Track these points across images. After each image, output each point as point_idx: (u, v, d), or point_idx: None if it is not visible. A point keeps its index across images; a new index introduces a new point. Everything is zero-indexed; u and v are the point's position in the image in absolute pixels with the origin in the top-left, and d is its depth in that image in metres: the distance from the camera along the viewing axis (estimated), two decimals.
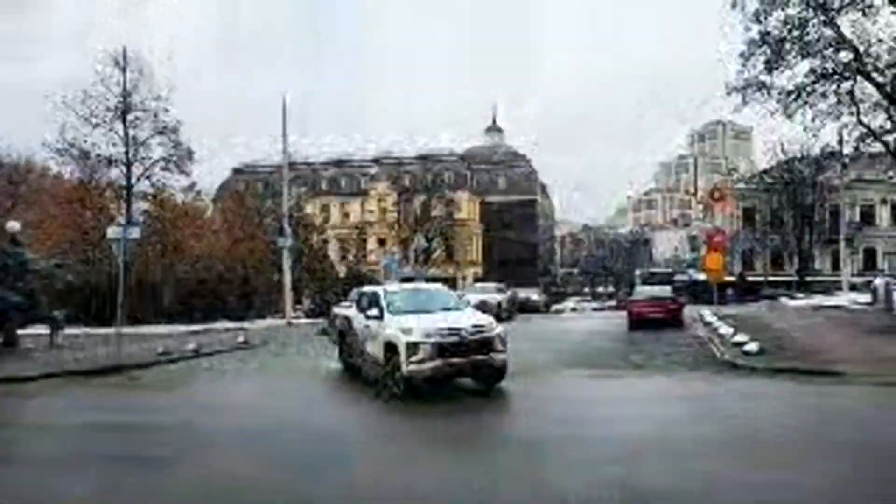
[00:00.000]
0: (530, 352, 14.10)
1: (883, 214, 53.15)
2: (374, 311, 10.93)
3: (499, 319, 20.94)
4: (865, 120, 25.25)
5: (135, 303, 24.03)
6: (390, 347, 10.12)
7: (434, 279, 48.45)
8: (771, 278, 48.07)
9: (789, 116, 25.86)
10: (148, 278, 29.93)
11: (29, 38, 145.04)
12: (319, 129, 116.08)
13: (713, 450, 6.69)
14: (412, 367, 9.64)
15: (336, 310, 15.61)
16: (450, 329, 9.94)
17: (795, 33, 23.89)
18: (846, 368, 11.05)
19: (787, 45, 24.08)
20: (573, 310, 47.36)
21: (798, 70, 24.70)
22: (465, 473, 6.19)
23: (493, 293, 26.26)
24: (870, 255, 53.22)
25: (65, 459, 7.40)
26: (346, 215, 67.56)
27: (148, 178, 35.11)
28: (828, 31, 23.85)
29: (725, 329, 16.35)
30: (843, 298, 29.08)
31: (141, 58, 34.26)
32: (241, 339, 19.51)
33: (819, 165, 44.31)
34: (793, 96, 25.03)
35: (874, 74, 23.46)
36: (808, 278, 46.27)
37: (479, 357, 9.92)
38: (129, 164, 34.51)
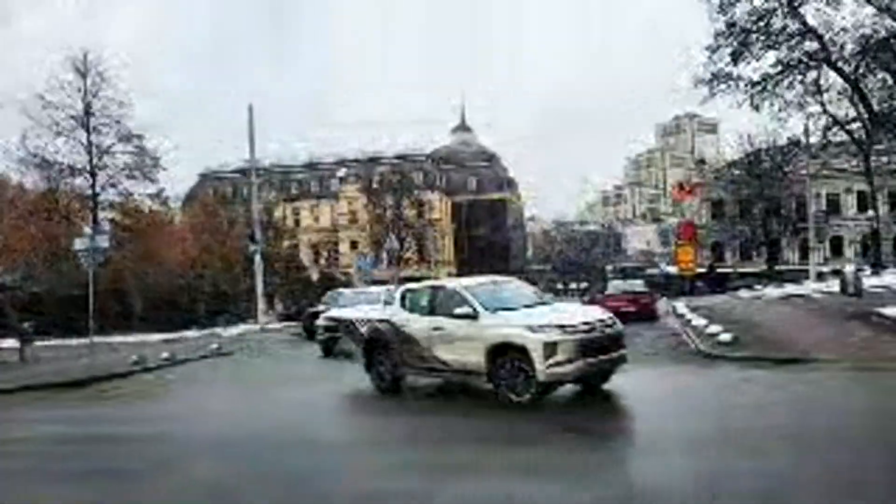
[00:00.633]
0: None
1: (849, 203, 54.40)
2: (462, 310, 9.25)
3: None
4: (831, 109, 25.86)
5: (106, 312, 23.43)
6: (501, 350, 8.74)
7: (407, 279, 48.46)
8: (741, 269, 48.93)
9: (756, 108, 26.36)
10: (118, 287, 29.24)
11: None
12: (287, 132, 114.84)
13: (696, 441, 6.62)
14: (553, 370, 8.35)
15: (339, 312, 12.90)
16: (586, 324, 8.84)
17: (761, 24, 24.29)
18: (818, 355, 11.15)
19: (753, 37, 24.50)
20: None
21: (764, 61, 25.18)
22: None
23: None
24: (837, 243, 54.48)
25: (31, 473, 7.12)
26: (317, 218, 66.97)
27: (113, 186, 34.42)
28: (793, 21, 24.29)
29: (698, 321, 16.41)
30: (812, 287, 29.64)
31: (101, 63, 33.47)
32: (214, 345, 19.08)
33: (785, 156, 45.22)
34: (759, 87, 25.50)
35: (839, 63, 23.95)
36: (777, 268, 47.21)
37: (615, 354, 8.98)
38: (93, 173, 33.71)
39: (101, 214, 33.35)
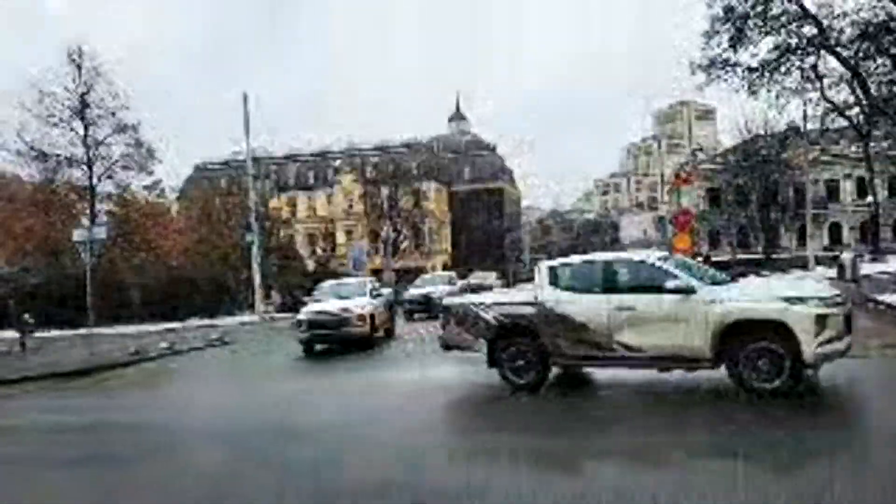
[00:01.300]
0: None
1: (847, 189, 54.00)
2: (672, 284, 7.83)
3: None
4: (829, 95, 25.73)
5: (104, 303, 23.41)
6: (738, 329, 7.46)
7: (404, 270, 48.35)
8: (738, 257, 48.90)
9: (753, 94, 26.20)
10: (116, 278, 29.19)
11: None
12: (284, 123, 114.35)
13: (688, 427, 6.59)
14: (823, 348, 7.23)
15: (460, 300, 9.95)
16: (836, 296, 7.78)
17: (759, 9, 24.08)
18: None
19: (751, 22, 24.30)
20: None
21: (762, 47, 24.98)
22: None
23: (439, 284, 24.24)
24: (835, 230, 54.34)
25: (30, 460, 7.16)
26: (314, 209, 66.79)
27: (110, 177, 34.35)
28: (791, 6, 24.10)
29: None
30: (811, 274, 29.70)
31: (97, 55, 33.38)
32: (214, 336, 19.06)
33: (784, 142, 45.10)
34: (757, 73, 25.33)
35: (838, 48, 23.78)
36: (775, 255, 47.18)
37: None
38: (90, 164, 33.60)
39: (98, 206, 33.30)
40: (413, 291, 23.91)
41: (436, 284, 24.32)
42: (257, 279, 29.01)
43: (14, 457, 7.37)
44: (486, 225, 68.52)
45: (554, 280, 8.82)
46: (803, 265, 35.51)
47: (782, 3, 24.22)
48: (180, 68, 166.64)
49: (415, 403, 8.71)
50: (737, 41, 24.91)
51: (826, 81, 25.80)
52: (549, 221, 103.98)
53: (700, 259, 42.25)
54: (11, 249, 29.26)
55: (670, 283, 7.88)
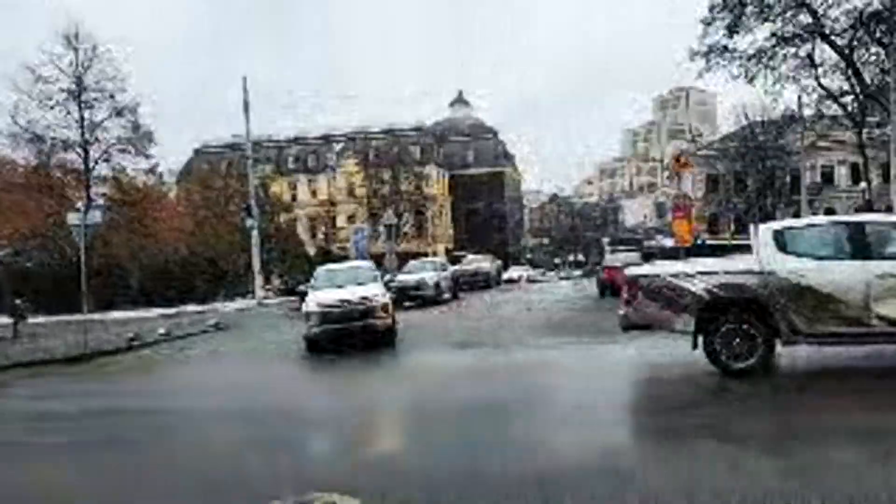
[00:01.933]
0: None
1: (841, 175, 54.46)
2: None
3: (435, 303, 20.45)
4: (824, 82, 25.90)
5: (101, 288, 23.55)
6: None
7: (405, 254, 48.57)
8: (735, 242, 49.02)
9: (751, 80, 26.40)
10: (113, 263, 29.31)
11: None
12: (287, 107, 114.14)
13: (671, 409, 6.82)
14: None
15: (651, 268, 8.91)
16: None
17: None
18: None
19: (748, 9, 24.43)
20: (520, 279, 40.60)
21: (759, 34, 25.14)
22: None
23: (430, 270, 23.09)
24: (830, 214, 54.72)
25: (23, 445, 7.20)
26: (314, 193, 66.85)
27: (107, 160, 34.34)
28: None
29: None
30: None
31: (94, 36, 33.23)
32: (213, 321, 19.26)
33: (780, 129, 45.17)
34: (754, 60, 25.50)
35: (833, 37, 23.92)
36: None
37: None
38: (85, 148, 33.60)
39: (94, 189, 33.38)
40: (402, 277, 22.47)
41: (426, 270, 23.04)
42: (257, 264, 29.09)
43: (6, 442, 7.36)
44: (488, 209, 68.60)
45: (782, 245, 7.63)
46: None
47: None
48: (183, 53, 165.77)
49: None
50: (734, 28, 25.07)
51: (821, 69, 25.99)
52: (550, 206, 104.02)
53: (700, 242, 42.46)
54: (5, 234, 29.33)
55: None
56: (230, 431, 7.27)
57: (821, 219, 8.87)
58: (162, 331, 17.11)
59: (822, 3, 23.59)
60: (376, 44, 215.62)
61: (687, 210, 36.14)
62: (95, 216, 16.34)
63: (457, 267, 27.75)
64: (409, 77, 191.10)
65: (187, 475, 5.62)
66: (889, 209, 27.19)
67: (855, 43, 23.71)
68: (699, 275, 7.74)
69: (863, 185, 35.81)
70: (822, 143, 48.13)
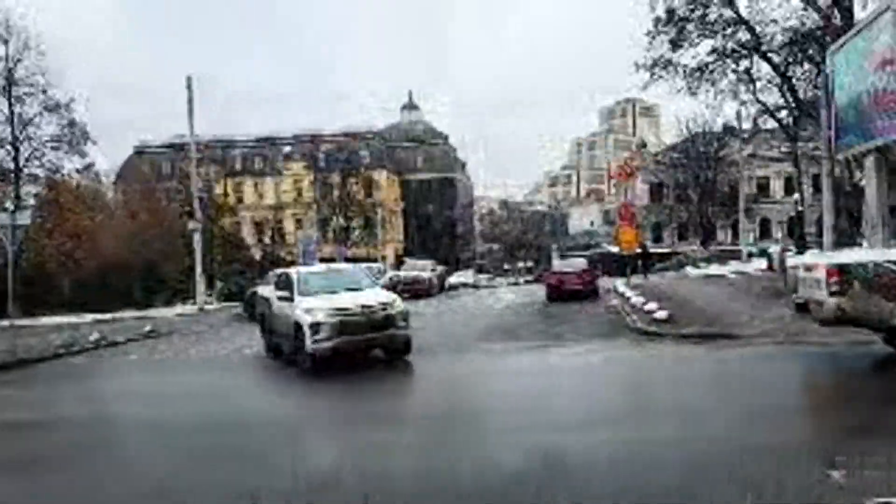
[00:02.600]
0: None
1: (776, 186, 57.29)
2: None
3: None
4: (762, 97, 27.05)
5: (30, 293, 22.31)
6: None
7: (354, 259, 48.04)
8: (678, 249, 50.72)
9: (693, 94, 27.32)
10: (44, 267, 27.91)
11: None
12: (233, 108, 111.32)
13: (615, 414, 6.88)
14: None
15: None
16: None
17: (698, 13, 25.08)
18: (745, 332, 11.75)
19: (691, 25, 25.29)
20: (465, 285, 38.91)
21: (701, 49, 26.07)
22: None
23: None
24: (765, 224, 57.29)
25: None
26: (261, 195, 65.39)
27: (38, 159, 32.76)
28: (727, 12, 25.17)
29: (637, 298, 17.00)
30: (743, 265, 31.12)
31: (26, 29, 31.61)
32: (148, 327, 18.52)
33: (720, 141, 47.01)
34: (696, 74, 26.40)
35: (769, 54, 25.00)
36: (711, 248, 49.29)
37: None
38: (15, 145, 31.96)
39: (24, 189, 31.78)
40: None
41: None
42: (199, 269, 28.23)
43: None
44: (439, 215, 68.65)
45: None
46: (736, 257, 37.21)
47: (719, 9, 25.30)
48: (126, 51, 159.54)
49: None
50: (677, 43, 25.86)
51: (759, 84, 27.12)
52: (500, 212, 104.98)
53: (642, 250, 43.65)
54: None
55: None
56: (158, 444, 6.91)
57: None
58: (94, 337, 16.34)
59: (759, 21, 24.68)
60: (326, 46, 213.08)
61: (632, 218, 37.13)
62: (24, 217, 15.58)
63: (392, 274, 25.70)
64: (358, 81, 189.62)
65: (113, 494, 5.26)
66: (819, 220, 28.75)
67: (790, 60, 24.91)
68: None
69: (795, 196, 37.58)
70: (758, 156, 50.40)
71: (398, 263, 39.49)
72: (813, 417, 6.40)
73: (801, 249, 31.88)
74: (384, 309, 10.56)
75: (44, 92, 31.94)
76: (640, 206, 51.13)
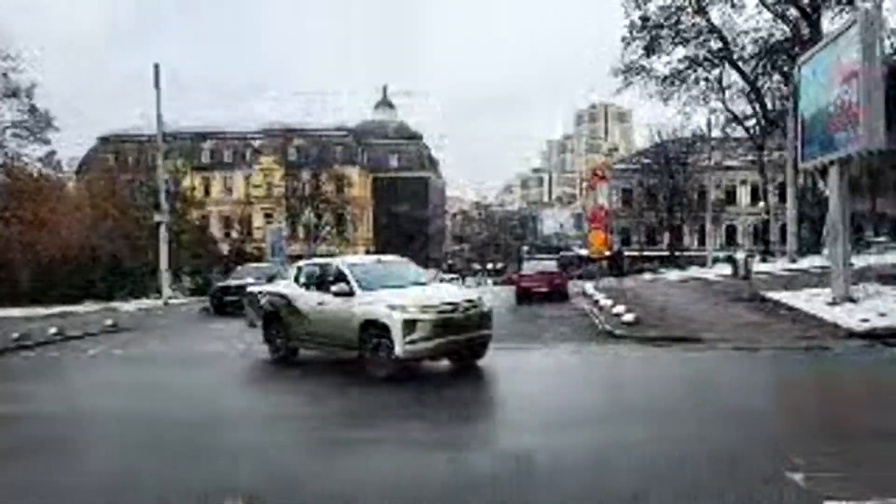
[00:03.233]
0: None
1: (743, 194, 58.63)
2: None
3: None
4: (731, 106, 27.67)
5: None
6: None
7: (325, 256, 47.51)
8: (646, 253, 51.51)
9: (666, 100, 27.85)
10: (2, 256, 26.98)
11: None
12: (202, 102, 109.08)
13: (579, 414, 6.90)
14: None
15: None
16: None
17: (672, 20, 25.53)
18: (709, 335, 11.93)
19: (664, 32, 25.74)
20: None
21: (674, 57, 26.55)
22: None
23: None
24: (731, 231, 58.56)
25: None
26: (230, 190, 64.34)
27: None
28: (700, 20, 25.67)
29: (605, 301, 17.14)
30: (709, 271, 31.68)
31: None
32: (110, 321, 18.01)
33: (690, 148, 47.88)
34: (668, 81, 26.91)
35: (740, 63, 25.59)
36: (678, 253, 50.15)
37: None
38: None
39: None
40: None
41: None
42: (164, 262, 27.65)
43: None
44: (411, 213, 68.38)
45: None
46: (702, 263, 37.90)
47: (692, 17, 25.76)
48: (97, 42, 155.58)
49: None
50: (651, 49, 26.27)
51: (728, 93, 27.76)
52: (472, 212, 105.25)
53: (610, 254, 44.17)
54: None
55: None
56: (120, 439, 6.69)
57: None
58: (53, 331, 15.84)
59: (731, 30, 25.26)
60: (301, 42, 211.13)
61: (602, 221, 37.53)
62: None
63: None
64: (332, 77, 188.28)
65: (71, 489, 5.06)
66: (783, 228, 29.61)
67: (759, 71, 25.53)
68: None
69: (761, 203, 38.50)
70: (726, 163, 51.52)
71: None
72: (773, 419, 6.50)
73: (765, 257, 32.70)
74: (477, 306, 9.45)
75: (3, 75, 30.88)
76: (610, 210, 51.80)
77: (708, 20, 25.29)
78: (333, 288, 9.66)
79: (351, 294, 9.47)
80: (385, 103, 77.54)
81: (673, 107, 29.88)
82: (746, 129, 30.31)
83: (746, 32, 24.86)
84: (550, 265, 25.61)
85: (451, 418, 7.05)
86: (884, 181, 35.65)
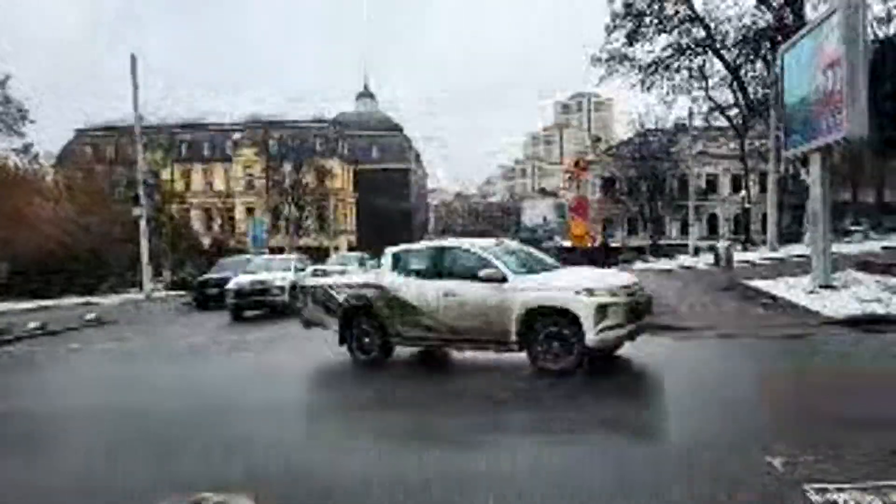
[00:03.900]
0: None
1: (725, 183, 59.21)
2: None
3: (273, 311, 15.73)
4: (713, 94, 27.85)
5: None
6: None
7: (307, 249, 47.35)
8: (628, 243, 51.90)
9: (648, 89, 27.93)
10: None
11: None
12: (185, 95, 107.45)
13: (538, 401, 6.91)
14: None
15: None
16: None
17: (655, 7, 25.58)
18: (693, 323, 12.01)
19: (648, 19, 25.80)
20: None
21: (656, 45, 26.62)
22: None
23: (278, 270, 18.05)
24: (713, 220, 59.18)
25: None
26: (210, 182, 63.62)
27: None
28: (683, 8, 25.75)
29: None
30: (690, 260, 31.99)
31: None
32: (92, 315, 17.76)
33: (672, 137, 48.17)
34: (651, 70, 26.98)
35: (722, 51, 25.72)
36: (660, 242, 50.55)
37: None
38: None
39: None
40: (244, 279, 17.39)
41: (271, 270, 18.06)
42: (145, 256, 27.33)
43: None
44: (393, 205, 68.15)
45: None
46: (685, 252, 38.28)
47: (675, 4, 25.83)
48: (87, 36, 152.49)
49: None
50: (634, 37, 26.32)
51: (711, 82, 27.91)
52: (454, 203, 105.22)
53: (595, 244, 44.39)
54: None
55: None
56: (103, 435, 6.58)
57: None
58: (33, 325, 15.60)
59: (714, 19, 25.39)
60: (281, 32, 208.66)
61: (585, 212, 37.66)
62: None
63: (317, 267, 21.28)
64: (313, 69, 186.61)
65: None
66: (765, 217, 30.05)
67: (741, 59, 25.71)
68: None
69: (742, 193, 38.91)
70: (708, 153, 51.99)
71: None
72: (755, 405, 6.57)
73: (746, 246, 33.08)
74: (643, 290, 8.74)
75: None
76: (592, 200, 52.10)
77: (691, 7, 25.42)
78: (482, 273, 8.43)
79: (503, 280, 8.37)
80: (366, 94, 77.06)
81: (655, 96, 30.25)
82: (728, 119, 30.57)
83: (729, 20, 25.07)
84: None
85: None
86: (865, 170, 36.23)
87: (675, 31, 26.17)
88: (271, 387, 8.71)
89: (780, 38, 19.63)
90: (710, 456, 4.72)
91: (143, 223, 27.30)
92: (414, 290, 8.98)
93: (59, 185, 40.37)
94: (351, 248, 53.85)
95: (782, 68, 14.40)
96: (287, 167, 58.10)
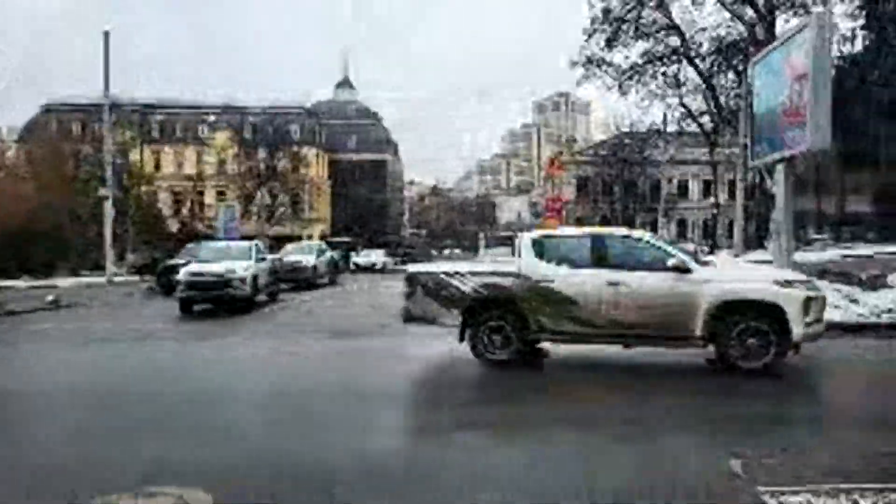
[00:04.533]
0: None
1: (694, 189, 60.27)
2: None
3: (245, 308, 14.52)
4: (687, 101, 28.27)
5: None
6: None
7: (279, 237, 46.73)
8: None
9: (624, 93, 28.23)
10: None
11: None
12: (154, 75, 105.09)
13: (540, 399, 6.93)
14: None
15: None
16: None
17: (633, 14, 25.84)
18: None
19: (626, 25, 26.06)
20: (371, 268, 36.79)
21: (633, 51, 26.94)
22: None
23: (238, 259, 16.43)
24: (682, 224, 60.24)
25: None
26: (181, 165, 62.30)
27: None
28: (660, 16, 26.06)
29: None
30: None
31: None
32: (50, 297, 17.29)
33: (646, 141, 48.77)
34: (628, 75, 27.29)
35: (696, 60, 26.12)
36: None
37: None
38: None
39: None
40: (196, 268, 16.00)
41: (229, 258, 16.43)
42: (108, 238, 26.70)
43: None
44: (368, 196, 67.74)
45: None
46: None
47: (653, 12, 26.15)
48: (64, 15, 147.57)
49: None
50: (612, 42, 26.57)
51: (684, 90, 28.34)
52: (430, 197, 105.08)
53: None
54: None
55: None
56: (56, 420, 6.39)
57: None
58: None
59: (689, 28, 25.76)
60: (259, 18, 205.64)
61: (558, 211, 37.84)
62: None
63: (275, 257, 20.94)
64: (292, 56, 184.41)
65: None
66: (731, 223, 30.63)
67: (714, 68, 26.17)
68: None
69: (711, 199, 39.61)
70: (680, 158, 52.75)
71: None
72: (720, 408, 6.64)
73: (712, 250, 33.67)
74: None
75: None
76: (566, 199, 52.41)
77: (668, 16, 25.74)
78: (670, 262, 7.85)
79: (685, 270, 7.80)
80: (346, 83, 76.35)
81: (631, 100, 30.78)
82: (700, 125, 31.10)
83: (704, 30, 25.47)
84: (507, 252, 25.78)
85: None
86: (829, 181, 37.04)
87: (652, 39, 26.55)
88: None
89: (751, 49, 19.95)
90: (668, 457, 4.73)
91: (108, 204, 26.69)
92: (568, 279, 8.12)
93: (21, 161, 39.20)
94: (323, 237, 53.32)
95: (753, 79, 14.62)
96: (262, 153, 57.24)
